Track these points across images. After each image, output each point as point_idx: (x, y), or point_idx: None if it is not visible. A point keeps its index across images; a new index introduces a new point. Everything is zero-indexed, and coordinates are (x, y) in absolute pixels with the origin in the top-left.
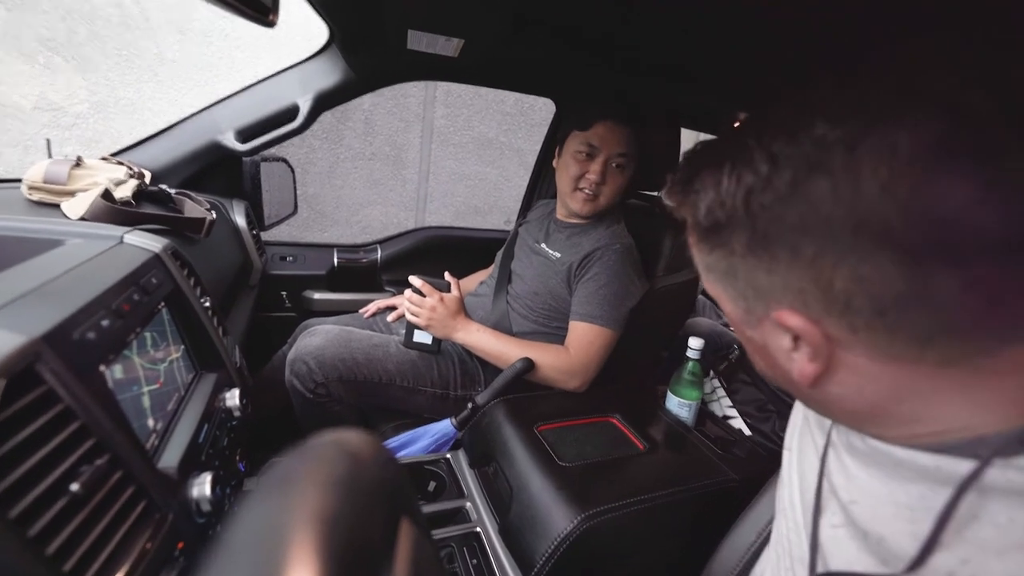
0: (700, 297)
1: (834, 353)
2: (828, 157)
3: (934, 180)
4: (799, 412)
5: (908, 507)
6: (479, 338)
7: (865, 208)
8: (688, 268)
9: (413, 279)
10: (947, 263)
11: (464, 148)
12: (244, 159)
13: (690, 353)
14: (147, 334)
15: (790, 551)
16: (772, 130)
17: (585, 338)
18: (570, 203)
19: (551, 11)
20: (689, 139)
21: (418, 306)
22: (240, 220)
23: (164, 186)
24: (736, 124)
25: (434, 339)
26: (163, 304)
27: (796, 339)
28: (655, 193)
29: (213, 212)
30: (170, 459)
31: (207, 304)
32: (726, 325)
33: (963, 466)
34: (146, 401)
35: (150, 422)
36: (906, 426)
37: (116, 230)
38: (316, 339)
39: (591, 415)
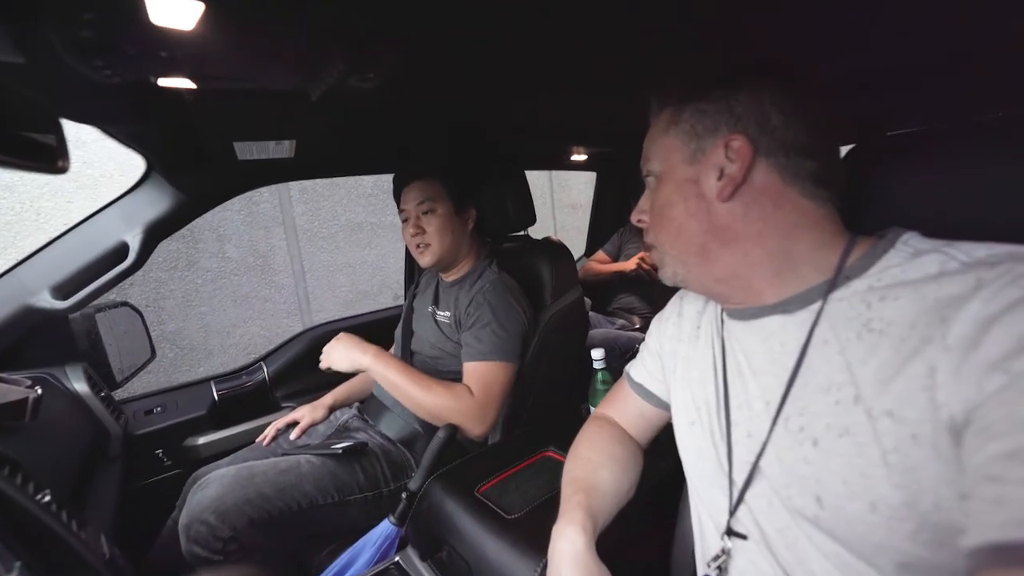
0: (591, 313)
1: (754, 163)
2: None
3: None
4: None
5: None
6: (382, 369)
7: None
8: (572, 289)
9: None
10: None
11: (334, 239)
12: (71, 316)
13: (596, 364)
14: None
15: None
16: None
17: (482, 378)
18: (421, 265)
19: (378, 103)
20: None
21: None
22: (79, 386)
23: None
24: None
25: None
26: None
27: (723, 170)
28: (522, 232)
29: (38, 388)
30: None
31: (46, 499)
32: (620, 328)
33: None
34: None
35: None
36: (777, 279)
37: None
38: (210, 489)
39: (527, 456)
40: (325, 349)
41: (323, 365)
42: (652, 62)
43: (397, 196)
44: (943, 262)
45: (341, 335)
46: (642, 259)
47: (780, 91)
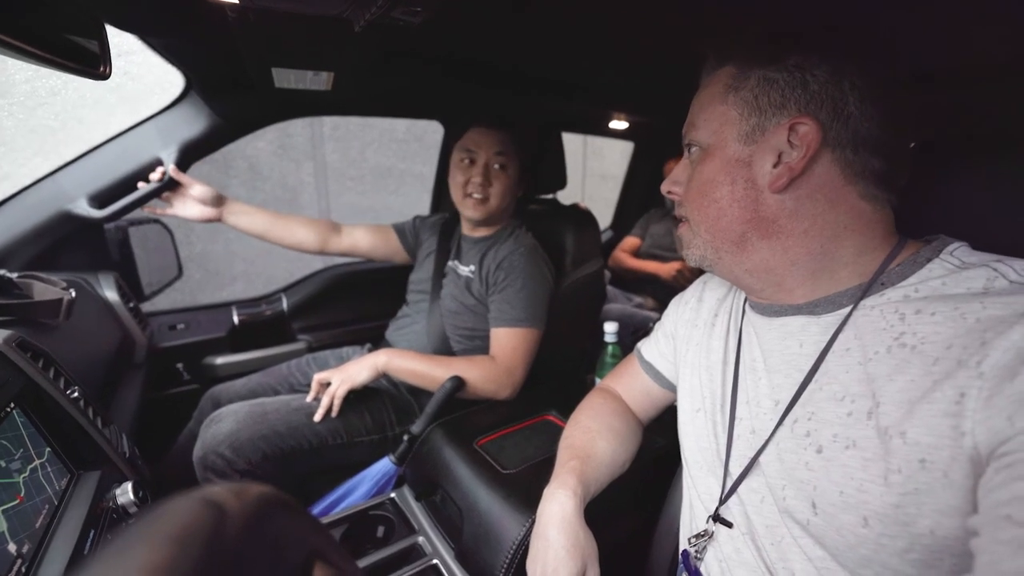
0: (609, 287)
1: (819, 153)
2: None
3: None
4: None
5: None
6: (400, 362)
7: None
8: (593, 260)
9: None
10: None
11: (362, 181)
12: (106, 226)
13: (607, 337)
14: None
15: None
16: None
17: (510, 343)
18: (463, 211)
19: (423, 43)
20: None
21: (329, 391)
22: (111, 294)
23: (2, 271)
24: (611, 124)
25: None
26: (12, 405)
27: (780, 155)
28: (550, 196)
29: (72, 291)
30: None
31: (75, 395)
32: (637, 306)
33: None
34: (1, 524)
35: (11, 547)
36: (811, 280)
37: None
38: (225, 424)
39: (528, 417)
40: (334, 379)
41: (342, 391)
42: (711, 21)
43: (463, 132)
44: (990, 278)
45: (334, 370)
46: (680, 272)
47: (864, 72)
